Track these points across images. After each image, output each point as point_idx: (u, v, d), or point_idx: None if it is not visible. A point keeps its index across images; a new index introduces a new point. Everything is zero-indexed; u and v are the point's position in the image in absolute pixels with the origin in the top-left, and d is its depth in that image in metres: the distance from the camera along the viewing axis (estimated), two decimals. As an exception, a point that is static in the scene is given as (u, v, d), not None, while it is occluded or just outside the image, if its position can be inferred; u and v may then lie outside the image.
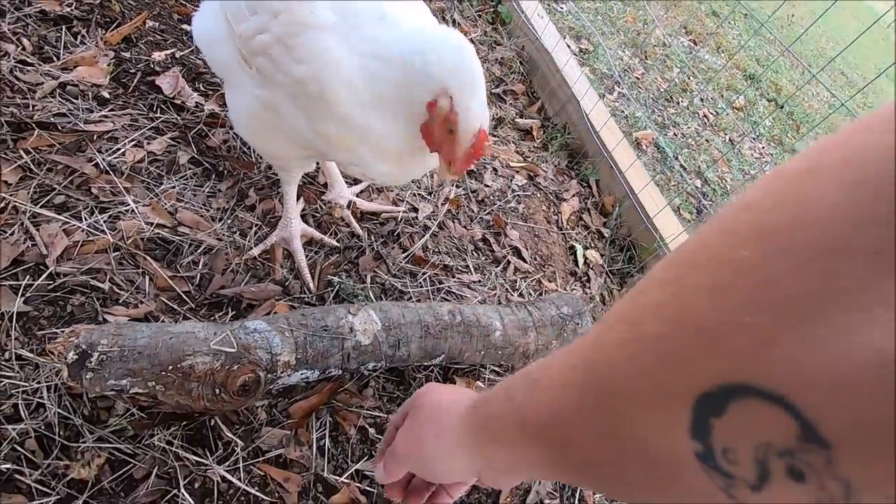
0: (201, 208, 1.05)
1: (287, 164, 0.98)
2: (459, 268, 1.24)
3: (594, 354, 0.30)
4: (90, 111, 1.06)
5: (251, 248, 1.04)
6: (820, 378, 0.19)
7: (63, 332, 0.78)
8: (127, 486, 0.74)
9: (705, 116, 2.47)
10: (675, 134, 2.23)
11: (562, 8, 2.43)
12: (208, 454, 0.80)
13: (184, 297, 0.93)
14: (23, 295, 0.82)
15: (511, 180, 1.52)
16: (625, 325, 0.28)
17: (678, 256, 0.26)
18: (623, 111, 2.12)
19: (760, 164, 2.39)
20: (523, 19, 1.95)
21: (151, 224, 0.98)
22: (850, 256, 0.18)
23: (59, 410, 0.75)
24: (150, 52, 1.22)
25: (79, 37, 1.16)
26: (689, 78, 2.63)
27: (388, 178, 0.88)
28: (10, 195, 0.89)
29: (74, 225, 0.91)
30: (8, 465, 0.69)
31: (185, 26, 1.33)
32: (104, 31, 1.19)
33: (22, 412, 0.73)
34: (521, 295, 1.27)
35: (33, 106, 1.01)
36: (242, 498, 0.79)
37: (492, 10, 2.07)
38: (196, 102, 1.20)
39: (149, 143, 1.08)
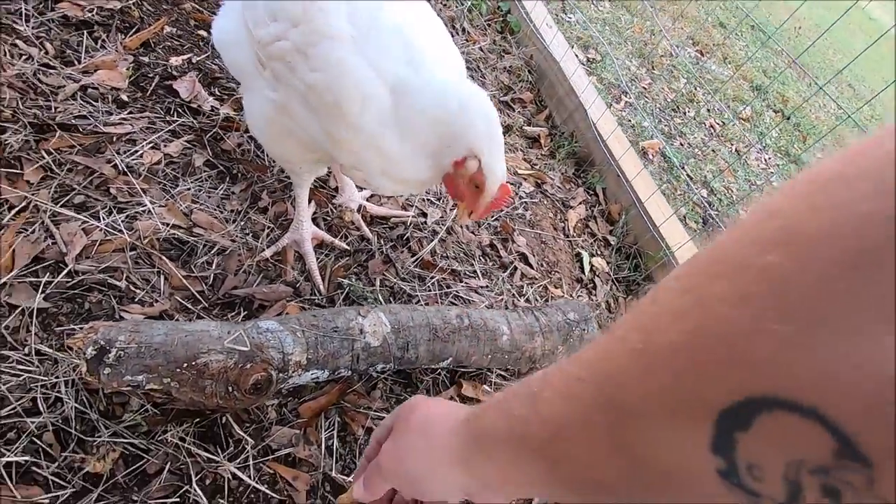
0: (215, 210, 1.07)
1: (298, 168, 1.00)
2: (467, 272, 1.26)
3: (604, 366, 0.28)
4: (110, 114, 1.09)
5: (263, 249, 1.06)
6: (857, 391, 0.17)
7: (82, 328, 0.80)
8: (140, 480, 0.76)
9: (712, 127, 2.48)
10: (681, 144, 2.24)
11: (570, 18, 2.46)
12: (219, 451, 0.81)
13: (197, 296, 0.95)
14: (43, 292, 0.84)
15: (519, 187, 1.54)
16: (638, 334, 0.26)
17: (695, 266, 0.25)
18: (630, 120, 2.13)
19: (767, 175, 2.40)
20: (532, 28, 1.97)
21: (167, 225, 1.00)
22: (887, 266, 0.17)
23: (77, 405, 0.76)
24: (167, 56, 1.25)
25: (99, 41, 1.19)
26: (695, 88, 2.64)
27: (389, 191, 0.91)
28: (32, 194, 0.92)
29: (93, 224, 0.93)
30: (26, 458, 0.71)
31: (201, 32, 1.36)
32: (124, 37, 1.22)
33: (41, 406, 0.75)
34: (527, 300, 1.29)
35: (55, 108, 1.04)
36: (252, 495, 0.80)
37: (501, 19, 2.09)
38: (212, 106, 1.22)
39: (166, 146, 1.10)
